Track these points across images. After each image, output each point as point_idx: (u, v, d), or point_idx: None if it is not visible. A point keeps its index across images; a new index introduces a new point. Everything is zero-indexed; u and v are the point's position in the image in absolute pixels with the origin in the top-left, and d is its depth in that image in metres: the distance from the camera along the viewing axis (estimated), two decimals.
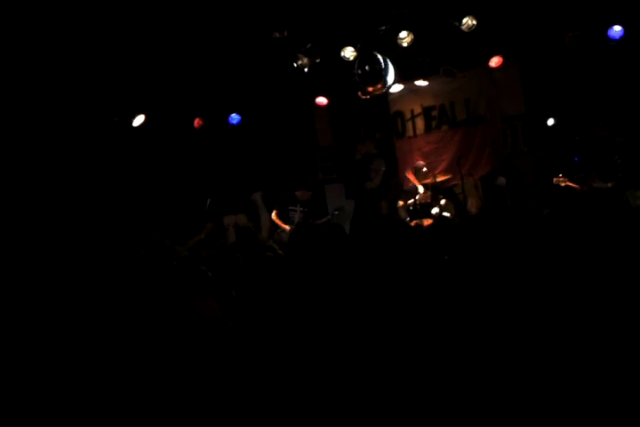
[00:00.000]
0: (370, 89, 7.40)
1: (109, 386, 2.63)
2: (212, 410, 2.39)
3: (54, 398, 2.64)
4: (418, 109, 9.34)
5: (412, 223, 7.91)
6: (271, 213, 8.17)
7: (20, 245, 6.89)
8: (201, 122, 8.99)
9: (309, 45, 7.49)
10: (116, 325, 3.13)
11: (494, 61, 8.20)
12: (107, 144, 8.41)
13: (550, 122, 8.24)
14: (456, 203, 8.70)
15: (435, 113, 9.26)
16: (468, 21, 7.30)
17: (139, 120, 8.39)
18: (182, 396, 2.49)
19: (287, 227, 8.08)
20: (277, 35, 7.33)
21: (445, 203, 8.48)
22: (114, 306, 3.45)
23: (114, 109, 8.02)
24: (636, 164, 7.20)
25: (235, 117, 9.22)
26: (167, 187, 9.10)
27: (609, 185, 7.34)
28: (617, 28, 7.32)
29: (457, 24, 7.28)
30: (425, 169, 8.67)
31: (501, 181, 8.37)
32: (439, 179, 8.61)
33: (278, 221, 8.21)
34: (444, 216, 7.91)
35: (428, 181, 8.58)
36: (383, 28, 7.36)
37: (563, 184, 7.56)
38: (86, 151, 8.18)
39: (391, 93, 8.92)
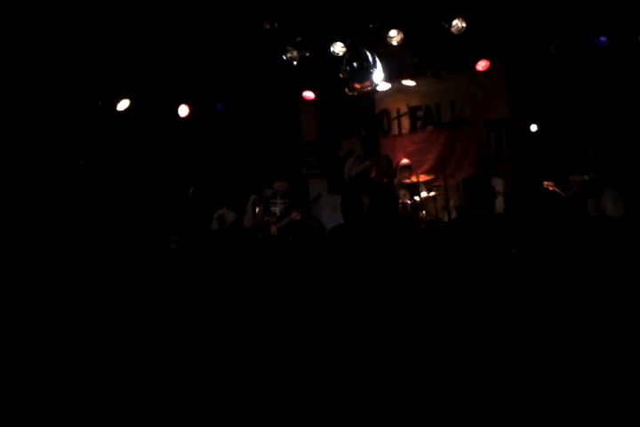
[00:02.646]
0: (357, 86, 7.42)
1: (106, 381, 2.56)
2: (212, 407, 2.35)
3: (52, 389, 2.58)
4: (404, 109, 9.38)
5: None
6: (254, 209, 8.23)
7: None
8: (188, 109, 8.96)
9: (299, 38, 7.48)
10: (110, 314, 3.07)
11: (481, 65, 8.25)
12: (91, 128, 8.37)
13: (533, 128, 8.31)
14: None
15: (420, 113, 9.30)
16: (457, 24, 7.35)
17: (123, 105, 8.34)
18: (182, 391, 2.44)
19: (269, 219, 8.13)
20: (268, 26, 7.31)
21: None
22: (104, 293, 3.40)
23: (98, 93, 7.97)
24: (610, 157, 7.30)
25: (219, 107, 9.22)
26: (151, 173, 9.08)
27: (585, 178, 7.44)
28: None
29: (447, 26, 7.33)
30: (409, 168, 8.70)
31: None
32: (422, 179, 8.63)
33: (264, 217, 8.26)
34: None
35: (409, 180, 8.60)
36: (372, 26, 7.38)
37: (551, 188, 7.67)
38: (70, 136, 8.13)
39: (378, 91, 8.94)
